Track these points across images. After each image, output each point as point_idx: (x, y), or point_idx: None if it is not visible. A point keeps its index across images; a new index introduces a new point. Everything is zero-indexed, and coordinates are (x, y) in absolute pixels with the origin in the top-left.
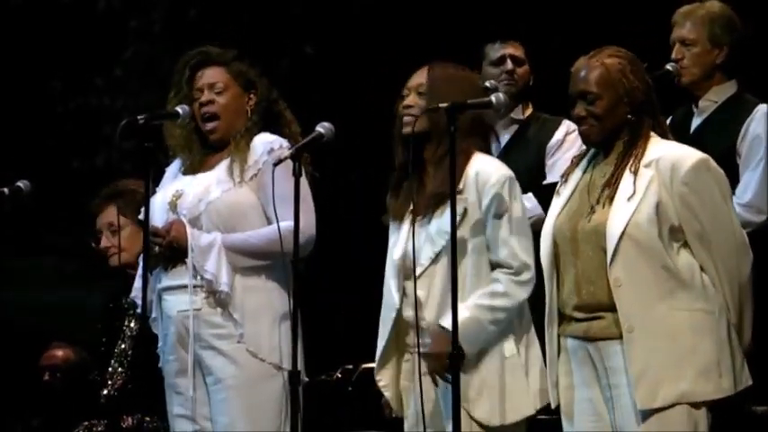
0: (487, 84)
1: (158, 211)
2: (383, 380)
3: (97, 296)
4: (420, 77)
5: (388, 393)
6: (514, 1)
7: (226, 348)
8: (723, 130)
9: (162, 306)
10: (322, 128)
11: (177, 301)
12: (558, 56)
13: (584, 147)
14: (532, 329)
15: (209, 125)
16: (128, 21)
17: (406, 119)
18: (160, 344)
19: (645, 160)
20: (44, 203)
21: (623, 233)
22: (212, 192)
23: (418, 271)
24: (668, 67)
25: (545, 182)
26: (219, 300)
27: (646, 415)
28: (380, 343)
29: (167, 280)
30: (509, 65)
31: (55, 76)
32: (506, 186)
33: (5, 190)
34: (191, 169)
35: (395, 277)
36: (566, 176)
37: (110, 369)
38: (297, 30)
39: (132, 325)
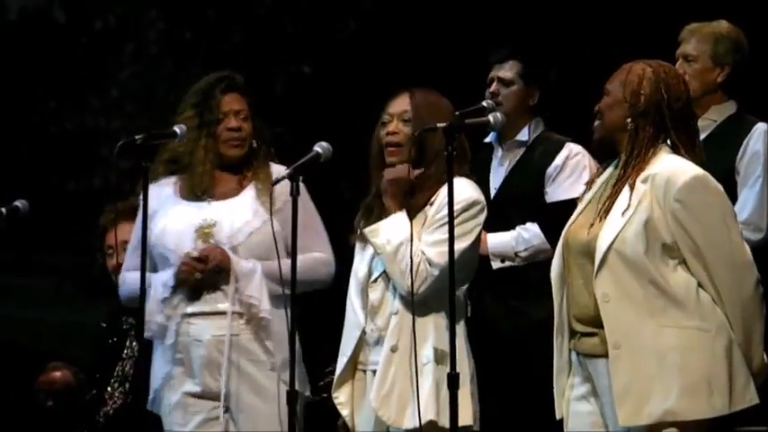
0: (484, 103)
1: (184, 237)
2: (340, 397)
3: (96, 315)
4: (403, 104)
5: (345, 411)
6: (523, 18)
7: (259, 375)
8: (723, 148)
9: (186, 330)
10: (320, 147)
11: (210, 325)
12: (568, 69)
13: (586, 170)
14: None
15: (236, 150)
16: (124, 42)
17: (391, 149)
18: (167, 369)
19: (643, 175)
20: (41, 223)
21: (610, 248)
22: (252, 222)
23: (374, 276)
24: None
25: (552, 200)
26: (259, 326)
27: None
28: (342, 360)
29: (197, 305)
30: (492, 87)
31: (51, 96)
32: (467, 210)
33: (3, 209)
34: (200, 194)
35: (359, 296)
36: (590, 183)
37: (109, 389)
38: (291, 49)
39: (133, 345)
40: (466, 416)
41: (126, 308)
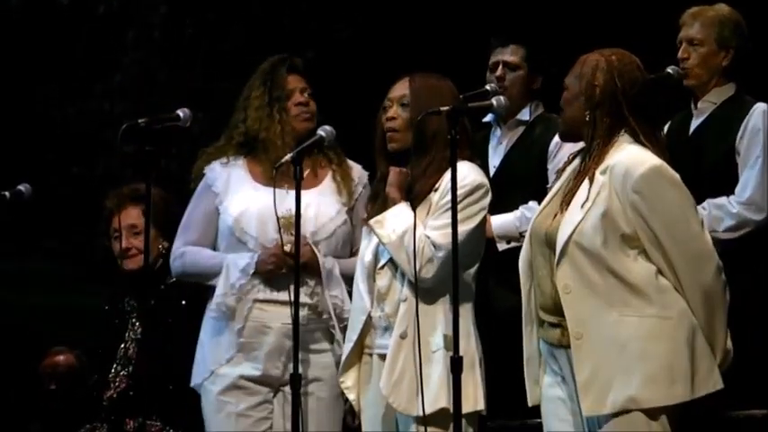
0: (488, 87)
1: (267, 225)
2: (347, 381)
3: (98, 299)
4: (402, 89)
5: (352, 396)
6: (525, 3)
7: (322, 365)
8: (722, 129)
9: (257, 316)
10: (323, 131)
11: (281, 313)
12: (569, 57)
13: None
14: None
15: (307, 123)
16: (127, 26)
17: (390, 134)
18: (230, 352)
19: (602, 166)
20: (44, 207)
21: (569, 240)
22: (336, 220)
23: (381, 263)
24: (669, 70)
25: (549, 185)
26: (339, 324)
27: (599, 423)
28: (347, 345)
29: (270, 293)
30: (498, 71)
31: (54, 80)
32: (472, 193)
33: (6, 193)
34: (276, 177)
35: (365, 281)
36: (559, 173)
37: (112, 372)
38: (294, 35)
39: (136, 327)
40: (477, 401)
41: (127, 290)
